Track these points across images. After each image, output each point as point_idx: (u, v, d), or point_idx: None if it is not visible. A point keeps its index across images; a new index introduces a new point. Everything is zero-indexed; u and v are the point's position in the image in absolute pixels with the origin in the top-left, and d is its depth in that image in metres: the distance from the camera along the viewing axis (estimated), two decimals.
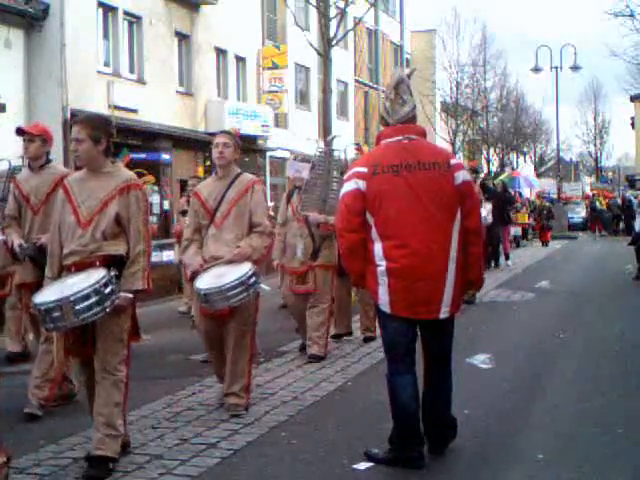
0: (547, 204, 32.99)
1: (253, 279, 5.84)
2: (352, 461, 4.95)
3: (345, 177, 5.05)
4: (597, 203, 39.33)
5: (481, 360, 7.80)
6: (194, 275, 6.13)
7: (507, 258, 19.01)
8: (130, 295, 4.80)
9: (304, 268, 8.08)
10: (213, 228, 6.17)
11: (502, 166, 50.60)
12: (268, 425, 5.79)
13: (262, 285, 6.08)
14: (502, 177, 31.85)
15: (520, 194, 32.57)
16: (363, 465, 4.89)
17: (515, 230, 25.15)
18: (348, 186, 4.86)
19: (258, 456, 5.12)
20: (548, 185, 43.01)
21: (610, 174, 73.80)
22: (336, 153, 8.58)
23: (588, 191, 53.82)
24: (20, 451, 5.12)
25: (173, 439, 5.45)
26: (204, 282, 5.89)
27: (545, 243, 29.43)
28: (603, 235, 36.50)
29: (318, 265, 8.08)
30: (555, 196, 42.12)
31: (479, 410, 6.09)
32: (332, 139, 9.42)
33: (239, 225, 6.15)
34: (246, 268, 5.88)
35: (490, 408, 6.22)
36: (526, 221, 29.44)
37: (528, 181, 37.39)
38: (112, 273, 4.69)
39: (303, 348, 8.34)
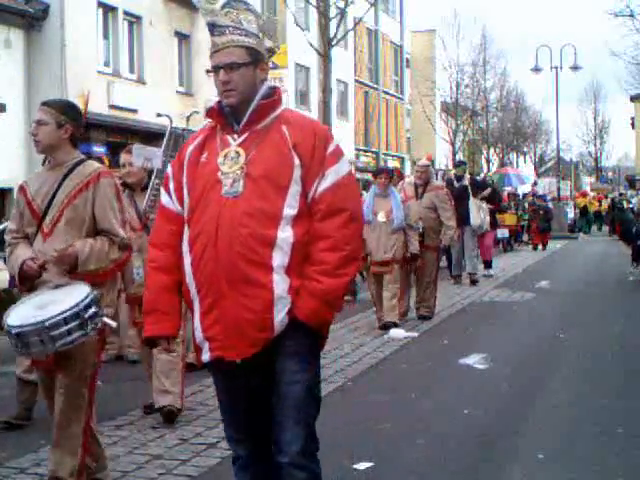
0: (544, 204, 30.55)
1: (92, 310, 3.91)
2: (352, 461, 4.93)
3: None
4: (624, 203, 36.31)
5: (481, 360, 7.80)
6: (40, 271, 4.09)
7: (487, 267, 16.62)
8: None
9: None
10: (40, 240, 4.18)
11: (502, 166, 50.60)
12: None
13: (106, 319, 4.04)
14: (489, 175, 31.43)
15: (516, 193, 31.61)
16: (363, 465, 4.88)
17: (502, 232, 22.79)
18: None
19: None
20: (547, 184, 42.45)
21: (610, 174, 73.86)
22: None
23: (587, 189, 53.63)
24: (20, 451, 5.12)
25: (173, 439, 5.45)
26: (19, 315, 3.96)
27: (542, 246, 25.99)
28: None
29: None
30: (554, 196, 41.82)
31: (479, 410, 6.09)
32: (190, 116, 7.51)
33: (75, 235, 4.15)
34: (82, 294, 3.95)
35: (490, 408, 6.22)
36: (514, 223, 25.79)
37: (520, 178, 36.35)
38: None
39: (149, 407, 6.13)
